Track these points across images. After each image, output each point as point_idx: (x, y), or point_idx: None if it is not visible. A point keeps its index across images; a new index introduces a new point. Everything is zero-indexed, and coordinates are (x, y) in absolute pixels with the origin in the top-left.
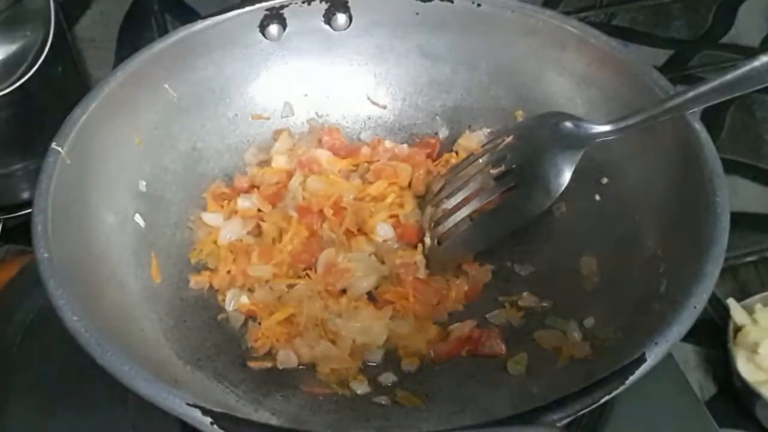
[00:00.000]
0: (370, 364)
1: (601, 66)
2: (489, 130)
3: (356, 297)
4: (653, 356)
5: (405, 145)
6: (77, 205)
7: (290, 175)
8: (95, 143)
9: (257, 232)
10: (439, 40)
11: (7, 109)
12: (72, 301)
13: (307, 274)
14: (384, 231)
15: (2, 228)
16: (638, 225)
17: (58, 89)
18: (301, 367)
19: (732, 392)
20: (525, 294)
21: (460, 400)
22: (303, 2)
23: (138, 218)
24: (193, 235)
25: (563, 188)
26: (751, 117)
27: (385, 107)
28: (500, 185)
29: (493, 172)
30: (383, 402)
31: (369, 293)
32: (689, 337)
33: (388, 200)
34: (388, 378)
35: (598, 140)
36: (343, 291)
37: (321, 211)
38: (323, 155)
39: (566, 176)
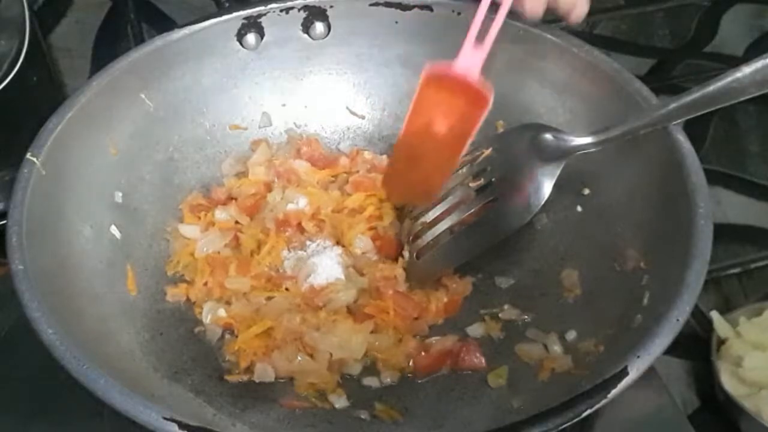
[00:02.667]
0: (349, 376)
1: (582, 75)
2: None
3: (335, 310)
4: (636, 369)
5: (384, 156)
6: (52, 217)
7: (268, 186)
8: (71, 154)
9: (235, 243)
10: (418, 48)
11: None
12: (47, 314)
13: (286, 288)
14: (363, 244)
15: None
16: (620, 236)
17: (33, 99)
18: (278, 380)
19: (715, 406)
20: (506, 307)
21: (440, 414)
22: (281, 11)
23: (114, 230)
24: (170, 247)
25: (544, 202)
26: (734, 127)
27: (364, 117)
28: (480, 199)
29: (473, 185)
30: (362, 416)
31: (348, 306)
32: (672, 350)
33: (367, 212)
34: (372, 381)
35: (579, 152)
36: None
37: (299, 224)
38: (301, 166)
39: (547, 190)
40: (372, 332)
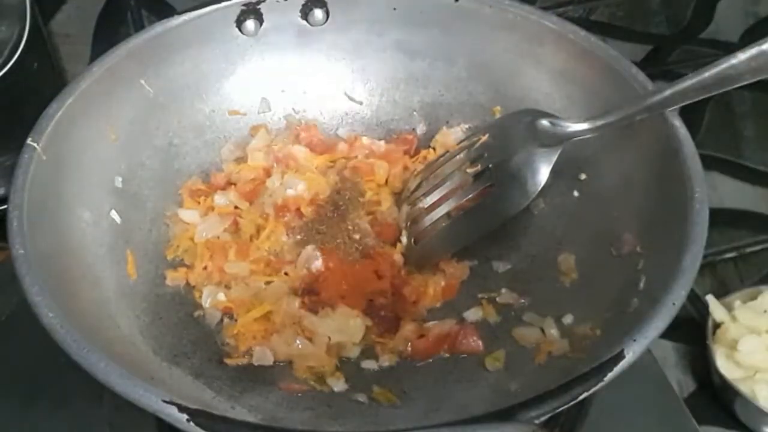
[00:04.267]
0: (347, 359)
1: (579, 62)
2: (467, 126)
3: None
4: (632, 353)
5: (382, 142)
6: (53, 201)
7: (267, 171)
8: (71, 139)
9: (234, 228)
10: (416, 35)
11: None
12: (48, 298)
13: (285, 272)
14: (361, 228)
15: None
16: (617, 221)
17: (34, 85)
18: (277, 364)
19: (711, 389)
20: (503, 291)
21: (437, 397)
22: None
23: (114, 214)
24: (170, 232)
25: (540, 187)
26: (730, 113)
27: (362, 103)
28: (477, 184)
29: (470, 171)
30: (360, 399)
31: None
32: (668, 333)
33: (365, 197)
34: (370, 364)
35: (575, 138)
36: None
37: (298, 209)
38: (300, 152)
39: (543, 175)
40: (370, 316)
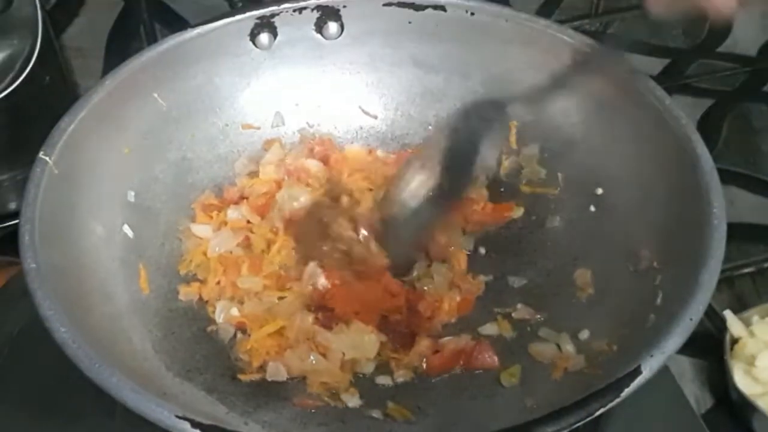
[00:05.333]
0: (362, 374)
1: (595, 75)
2: None
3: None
4: (649, 368)
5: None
6: (65, 216)
7: (279, 184)
8: (83, 153)
9: (247, 243)
10: (432, 49)
11: None
12: (60, 312)
13: (289, 287)
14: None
15: None
16: (633, 236)
17: (46, 98)
18: (291, 379)
19: (729, 405)
20: (519, 306)
21: (452, 413)
22: (294, 11)
23: (126, 229)
24: (182, 246)
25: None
26: (748, 127)
27: (376, 117)
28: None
29: None
30: (375, 415)
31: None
32: (685, 349)
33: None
34: (385, 380)
35: (514, 104)
36: None
37: None
38: (312, 164)
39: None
40: (384, 332)
